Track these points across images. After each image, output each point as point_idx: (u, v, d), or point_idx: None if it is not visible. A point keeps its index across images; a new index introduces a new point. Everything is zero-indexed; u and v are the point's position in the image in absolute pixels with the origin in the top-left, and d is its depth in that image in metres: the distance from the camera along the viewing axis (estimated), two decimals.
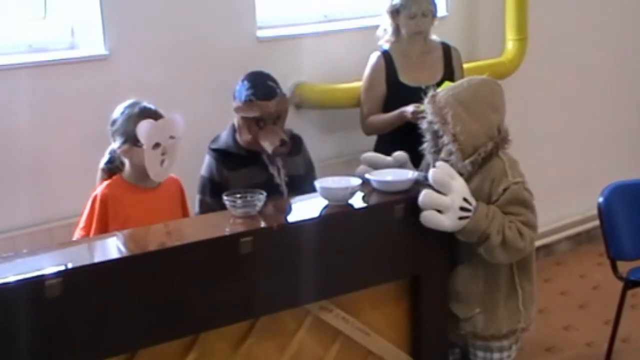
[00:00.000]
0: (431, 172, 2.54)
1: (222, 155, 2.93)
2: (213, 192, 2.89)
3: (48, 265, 2.15)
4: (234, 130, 2.96)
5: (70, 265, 2.19)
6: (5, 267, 2.16)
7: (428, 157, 2.72)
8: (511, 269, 2.67)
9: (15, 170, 3.05)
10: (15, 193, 3.05)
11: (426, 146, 2.71)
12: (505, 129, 2.66)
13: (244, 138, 2.90)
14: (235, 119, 2.93)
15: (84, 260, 2.28)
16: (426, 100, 2.67)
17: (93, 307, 2.11)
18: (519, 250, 2.57)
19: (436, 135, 2.65)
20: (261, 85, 2.89)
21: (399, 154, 2.79)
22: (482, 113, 2.61)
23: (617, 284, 3.51)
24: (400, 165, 2.76)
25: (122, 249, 2.37)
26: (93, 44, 3.22)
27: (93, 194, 2.74)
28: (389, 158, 2.79)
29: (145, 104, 2.75)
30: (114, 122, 2.75)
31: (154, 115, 2.72)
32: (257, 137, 2.86)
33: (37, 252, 2.39)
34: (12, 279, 2.04)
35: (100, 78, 3.19)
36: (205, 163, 2.97)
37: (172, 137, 2.73)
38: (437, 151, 2.66)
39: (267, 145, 2.85)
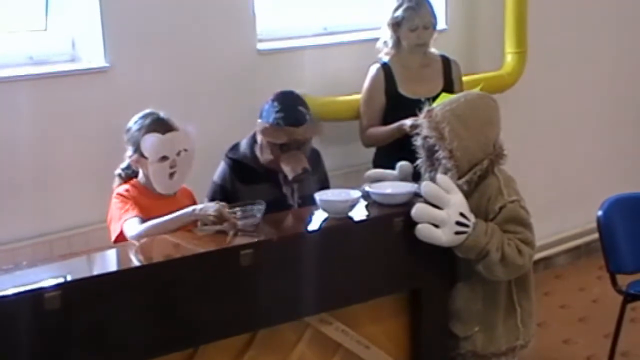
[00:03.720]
0: (423, 186, 2.54)
1: (238, 166, 2.88)
2: (223, 200, 2.82)
3: (48, 277, 2.15)
4: (253, 141, 2.89)
5: (69, 278, 2.19)
6: (5, 279, 2.17)
7: (425, 176, 2.71)
8: (509, 286, 2.67)
9: (16, 181, 3.05)
10: (16, 205, 3.05)
11: (421, 164, 2.70)
12: (500, 144, 2.66)
13: (265, 157, 2.84)
14: (258, 135, 2.86)
15: (84, 273, 2.29)
16: (422, 115, 2.65)
17: (92, 319, 2.10)
18: (518, 267, 2.56)
19: (431, 152, 2.64)
20: (291, 110, 2.80)
21: (404, 164, 2.76)
22: (479, 128, 2.61)
23: (617, 297, 3.50)
24: (405, 175, 2.75)
25: (123, 261, 2.37)
26: (94, 56, 3.23)
27: (114, 193, 2.73)
28: (394, 171, 2.78)
29: (161, 114, 2.75)
30: (127, 130, 2.76)
31: (166, 127, 2.71)
32: (279, 160, 2.80)
33: (37, 265, 2.39)
34: (11, 291, 2.04)
35: (101, 90, 3.20)
36: (220, 170, 2.92)
37: (185, 150, 2.73)
38: (433, 170, 2.65)
39: (288, 171, 2.78)
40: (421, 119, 2.65)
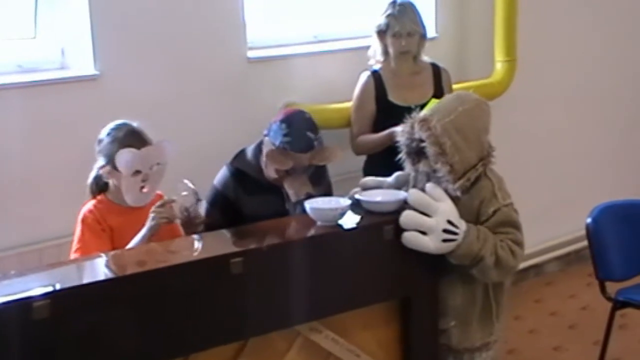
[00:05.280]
0: (409, 194, 2.53)
1: (241, 176, 2.85)
2: (223, 207, 2.84)
3: (36, 286, 2.14)
4: (259, 151, 2.85)
5: (58, 287, 2.17)
6: None
7: (408, 170, 2.69)
8: (486, 283, 2.66)
9: (5, 190, 3.03)
10: (4, 213, 3.04)
11: (403, 157, 2.66)
12: (489, 143, 2.65)
13: (269, 173, 2.80)
14: (264, 148, 2.81)
15: (73, 282, 2.27)
16: (417, 125, 2.57)
17: (81, 329, 2.09)
18: (511, 268, 2.58)
19: (416, 150, 2.60)
20: (299, 136, 2.72)
21: (402, 174, 2.74)
22: (477, 138, 2.59)
23: (606, 304, 3.51)
24: (401, 185, 2.74)
25: (111, 270, 2.36)
26: (83, 64, 3.23)
27: (80, 215, 2.73)
28: (389, 179, 2.77)
29: (134, 126, 2.74)
30: (99, 141, 2.75)
31: (139, 140, 2.71)
32: (283, 181, 2.77)
33: (25, 273, 2.37)
34: None
35: (91, 98, 3.19)
36: (222, 176, 2.89)
37: (158, 164, 2.73)
38: (418, 162, 2.63)
39: (292, 194, 2.75)
40: (417, 129, 2.56)
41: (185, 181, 2.70)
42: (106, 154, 2.71)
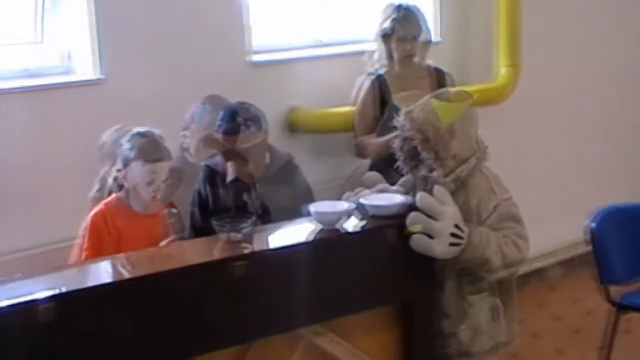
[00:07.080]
0: (418, 197, 2.55)
1: (209, 172, 2.95)
2: (200, 205, 2.94)
3: (42, 289, 2.15)
4: None
5: (64, 290, 2.18)
6: None
7: (409, 176, 2.72)
8: (492, 284, 2.66)
9: (10, 193, 3.05)
10: (10, 216, 3.05)
11: (401, 165, 2.69)
12: (481, 140, 2.67)
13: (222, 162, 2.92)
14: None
15: (78, 285, 2.28)
16: (401, 117, 2.64)
17: (86, 331, 2.10)
18: (518, 263, 2.58)
19: (411, 153, 2.64)
20: (229, 120, 2.84)
21: (407, 179, 2.75)
22: (460, 126, 2.61)
23: (611, 309, 3.50)
24: (407, 190, 2.75)
25: (116, 273, 2.37)
26: (88, 68, 3.25)
27: (91, 214, 2.76)
28: (395, 186, 2.78)
29: (155, 135, 2.79)
30: (120, 145, 2.79)
31: (157, 152, 2.75)
32: (225, 165, 2.87)
33: (31, 276, 2.38)
34: (5, 303, 2.03)
35: (96, 102, 3.21)
36: (198, 177, 2.99)
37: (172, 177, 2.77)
38: (415, 167, 2.66)
39: (227, 177, 2.83)
40: (402, 121, 2.63)
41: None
42: (123, 159, 2.75)
